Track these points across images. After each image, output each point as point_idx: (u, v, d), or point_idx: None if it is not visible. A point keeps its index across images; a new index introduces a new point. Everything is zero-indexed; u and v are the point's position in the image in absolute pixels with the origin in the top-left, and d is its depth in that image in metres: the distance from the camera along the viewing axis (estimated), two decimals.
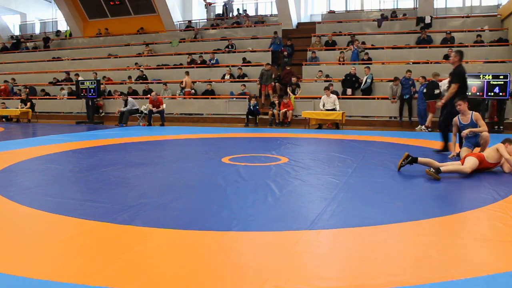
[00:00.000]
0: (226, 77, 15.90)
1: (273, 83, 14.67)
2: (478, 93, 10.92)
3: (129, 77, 17.38)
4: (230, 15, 22.23)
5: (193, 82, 15.89)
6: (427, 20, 16.59)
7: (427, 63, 14.20)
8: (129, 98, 13.82)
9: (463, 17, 17.65)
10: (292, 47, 16.31)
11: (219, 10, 23.69)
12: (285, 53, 16.10)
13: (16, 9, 26.30)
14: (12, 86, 18.89)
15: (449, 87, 6.68)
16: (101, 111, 15.90)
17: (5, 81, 18.94)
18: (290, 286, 2.17)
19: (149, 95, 14.16)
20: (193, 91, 15.52)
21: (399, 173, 5.25)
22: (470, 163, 5.06)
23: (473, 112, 6.14)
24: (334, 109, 12.19)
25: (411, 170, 5.46)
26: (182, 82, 15.68)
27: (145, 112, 13.73)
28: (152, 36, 21.10)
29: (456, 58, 6.58)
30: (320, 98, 12.66)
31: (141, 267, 2.42)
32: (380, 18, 17.77)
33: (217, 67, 16.74)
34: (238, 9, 22.62)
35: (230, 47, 17.80)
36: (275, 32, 17.15)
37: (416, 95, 12.19)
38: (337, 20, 19.33)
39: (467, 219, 3.35)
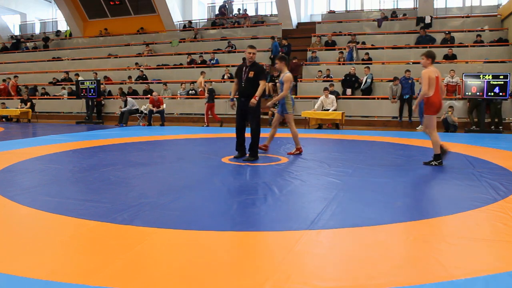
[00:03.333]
0: (225, 77, 15.90)
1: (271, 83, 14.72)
2: (478, 93, 10.92)
3: (129, 77, 17.38)
4: (230, 15, 22.21)
5: (193, 83, 15.87)
6: (427, 20, 16.59)
7: None
8: (129, 98, 13.81)
9: (463, 17, 17.65)
10: (289, 47, 16.29)
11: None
12: (281, 53, 16.11)
13: (16, 9, 26.30)
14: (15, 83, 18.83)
15: (253, 84, 6.10)
16: (103, 103, 15.77)
17: (4, 80, 18.90)
18: (290, 286, 2.17)
19: (149, 95, 14.16)
20: (192, 91, 15.51)
21: (399, 173, 5.24)
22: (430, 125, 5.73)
23: (286, 74, 6.42)
24: (334, 109, 12.22)
25: (410, 170, 5.46)
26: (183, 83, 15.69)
27: (145, 112, 13.73)
28: (152, 36, 21.10)
29: (255, 55, 6.19)
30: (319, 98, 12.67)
31: (141, 267, 2.42)
32: (380, 18, 17.77)
33: (217, 67, 16.74)
34: (239, 9, 22.64)
35: (230, 47, 17.79)
36: (273, 37, 17.21)
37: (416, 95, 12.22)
38: (337, 20, 19.34)
39: (467, 219, 3.35)
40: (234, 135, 6.43)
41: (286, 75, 6.44)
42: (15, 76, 18.70)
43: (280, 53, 16.15)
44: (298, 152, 6.74)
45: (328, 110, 12.22)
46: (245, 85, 6.14)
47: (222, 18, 21.84)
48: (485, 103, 11.14)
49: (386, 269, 2.39)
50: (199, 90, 15.38)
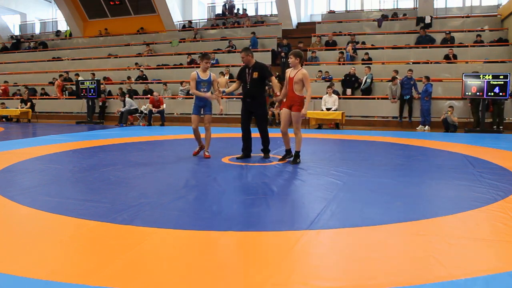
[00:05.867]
0: (225, 77, 15.88)
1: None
2: (478, 93, 10.92)
3: (129, 77, 17.37)
4: (233, 13, 22.16)
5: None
6: (427, 20, 16.59)
7: (427, 63, 14.19)
8: (127, 98, 13.80)
9: (463, 17, 17.64)
10: (289, 47, 16.26)
11: (219, 10, 23.69)
12: (282, 54, 16.10)
13: (16, 9, 26.28)
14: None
15: (258, 84, 6.29)
16: (106, 104, 15.78)
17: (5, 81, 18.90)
18: (290, 286, 2.17)
19: (149, 95, 14.14)
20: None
21: (399, 173, 5.24)
22: (282, 120, 5.88)
23: (211, 74, 6.52)
24: (335, 109, 12.23)
25: (410, 170, 5.46)
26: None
27: (145, 112, 13.73)
28: (152, 36, 21.09)
29: (245, 58, 6.26)
30: (321, 98, 12.66)
31: (141, 267, 2.42)
32: (380, 18, 17.77)
33: (217, 67, 16.73)
34: (238, 9, 22.63)
35: (230, 47, 17.78)
36: (253, 33, 17.48)
37: (416, 95, 12.20)
38: (337, 20, 19.33)
39: (467, 219, 3.35)
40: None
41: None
42: (60, 75, 17.83)
43: (281, 54, 16.16)
44: (200, 150, 6.77)
45: (329, 109, 12.21)
46: (250, 87, 6.15)
47: (226, 17, 21.81)
48: (485, 102, 11.13)
49: (386, 269, 2.39)
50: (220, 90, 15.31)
